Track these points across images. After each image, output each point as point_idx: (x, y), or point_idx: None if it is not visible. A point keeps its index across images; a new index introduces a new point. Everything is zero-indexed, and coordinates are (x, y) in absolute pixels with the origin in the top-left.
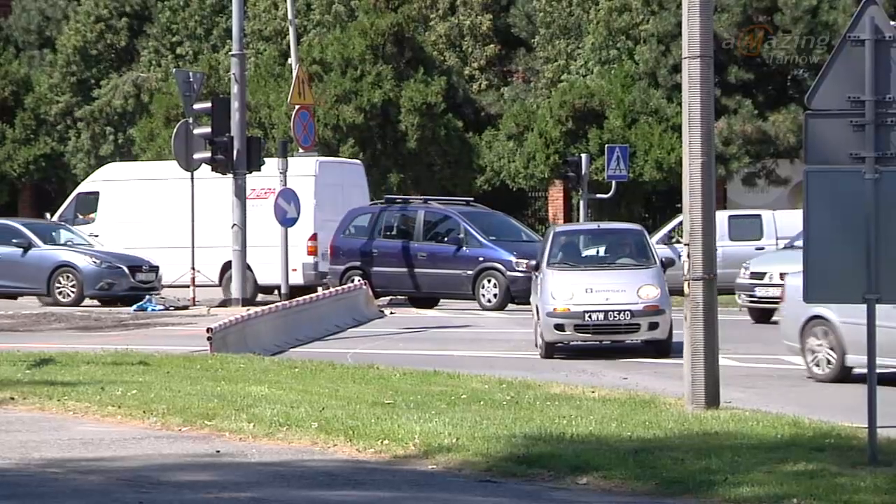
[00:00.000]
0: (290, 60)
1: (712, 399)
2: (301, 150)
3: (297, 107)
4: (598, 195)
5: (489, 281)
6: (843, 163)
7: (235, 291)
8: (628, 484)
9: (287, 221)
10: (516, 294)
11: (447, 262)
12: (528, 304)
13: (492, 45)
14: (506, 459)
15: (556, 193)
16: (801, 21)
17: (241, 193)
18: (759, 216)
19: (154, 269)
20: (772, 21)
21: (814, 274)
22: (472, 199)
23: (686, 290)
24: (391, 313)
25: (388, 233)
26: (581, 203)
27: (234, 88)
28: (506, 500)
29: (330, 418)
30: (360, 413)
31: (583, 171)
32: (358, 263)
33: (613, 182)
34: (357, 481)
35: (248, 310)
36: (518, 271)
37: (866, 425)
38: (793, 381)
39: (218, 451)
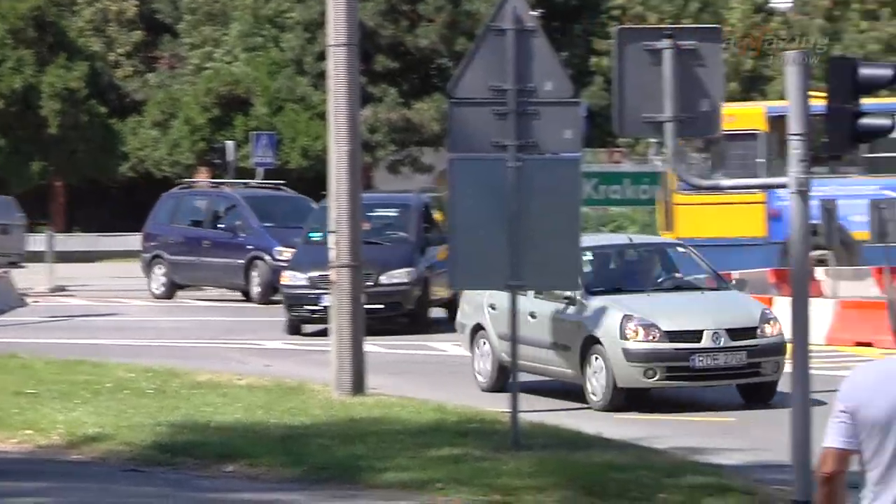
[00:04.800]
0: None
1: (358, 385)
2: None
3: None
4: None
5: (256, 271)
6: (487, 151)
7: None
8: (275, 471)
9: None
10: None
11: (225, 251)
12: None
13: (138, 31)
14: (151, 448)
15: (201, 181)
16: (445, 10)
17: None
18: None
19: None
20: (416, 10)
21: (459, 261)
22: (282, 182)
23: (333, 276)
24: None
25: (185, 219)
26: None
27: None
28: (151, 488)
29: None
30: (2, 403)
31: (229, 158)
32: (160, 252)
33: (261, 169)
34: None
35: None
36: (281, 261)
37: (509, 410)
38: (437, 366)
39: None
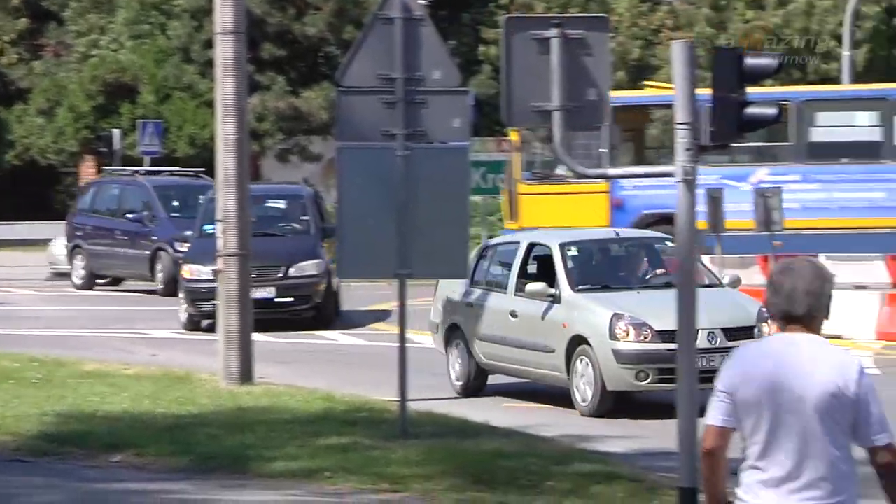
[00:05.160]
0: None
1: (246, 374)
2: None
3: None
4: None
5: (160, 263)
6: (375, 140)
7: None
8: (162, 461)
9: None
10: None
11: (133, 242)
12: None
13: (23, 19)
14: (37, 438)
15: (87, 169)
16: None
17: None
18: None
19: None
20: None
21: (348, 251)
22: (202, 169)
23: (220, 265)
24: None
25: (103, 208)
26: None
27: None
28: (37, 478)
29: None
30: None
31: (115, 147)
32: (80, 242)
33: (147, 157)
34: None
35: None
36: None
37: (398, 399)
38: (326, 355)
39: None
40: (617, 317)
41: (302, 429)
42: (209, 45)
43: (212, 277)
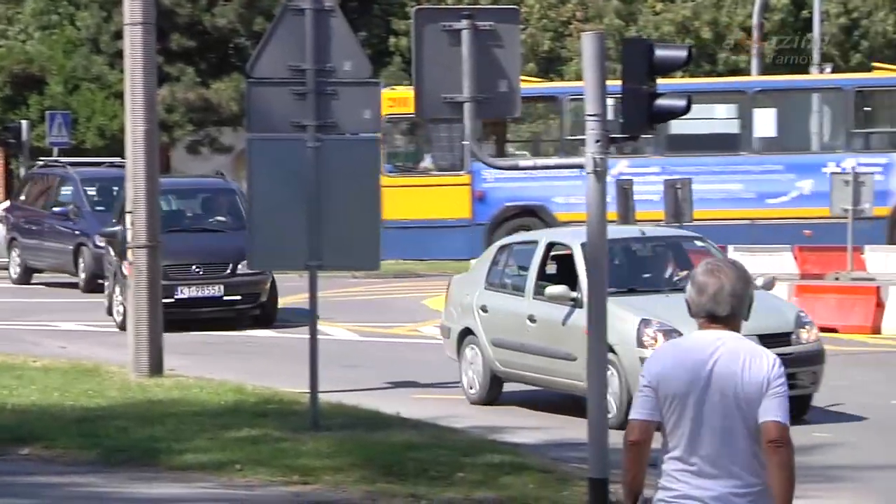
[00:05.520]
0: None
1: (156, 367)
2: None
3: None
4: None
5: (82, 258)
6: (286, 131)
7: None
8: (72, 453)
9: None
10: (101, 275)
11: (58, 235)
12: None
13: None
14: None
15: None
16: None
17: None
18: None
19: None
20: None
21: (258, 242)
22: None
23: (130, 256)
24: None
25: (34, 201)
26: (22, 170)
27: None
28: None
29: None
30: None
31: (24, 138)
32: (15, 234)
33: (55, 149)
34: None
35: None
36: (102, 248)
37: (308, 391)
38: (237, 347)
39: None
40: (645, 322)
41: (212, 421)
42: (118, 35)
43: None
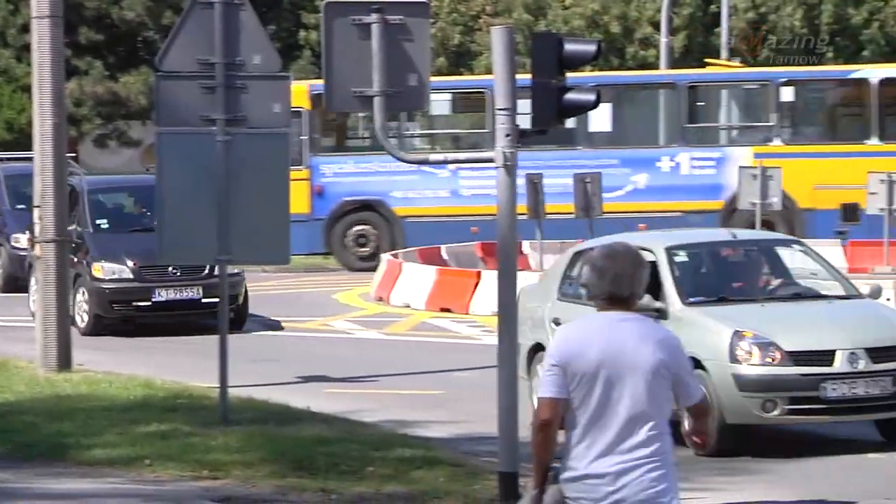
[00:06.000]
0: None
1: (65, 362)
2: None
3: None
4: None
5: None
6: (195, 125)
7: None
8: None
9: None
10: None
11: None
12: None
13: None
14: None
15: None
16: None
17: None
18: None
19: None
20: None
21: (168, 236)
22: (72, 154)
23: (37, 251)
24: None
25: None
26: None
27: None
28: None
29: None
30: None
31: None
32: None
33: None
34: None
35: None
36: (18, 248)
37: (218, 386)
38: (146, 342)
39: None
40: (738, 335)
41: (121, 416)
42: (25, 29)
43: (130, 276)
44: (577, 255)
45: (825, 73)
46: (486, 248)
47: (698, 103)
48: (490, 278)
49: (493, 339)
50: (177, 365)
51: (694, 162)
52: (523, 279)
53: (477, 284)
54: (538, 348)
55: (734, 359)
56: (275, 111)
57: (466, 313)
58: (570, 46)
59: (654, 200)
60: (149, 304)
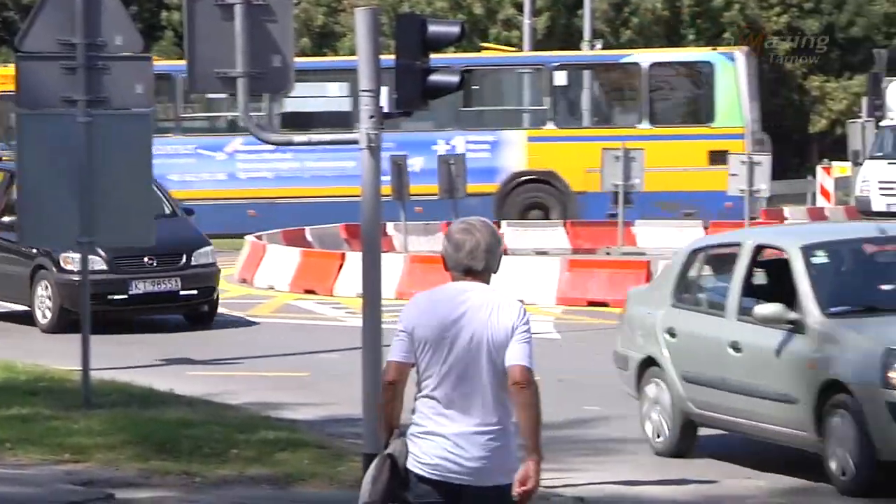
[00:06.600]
0: None
1: None
2: None
3: None
4: None
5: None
6: (56, 106)
7: None
8: None
9: None
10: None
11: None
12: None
13: None
14: None
15: None
16: None
17: None
18: None
19: None
20: None
21: (29, 219)
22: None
23: None
24: None
25: None
26: None
27: None
28: None
29: None
30: None
31: None
32: None
33: None
34: None
35: None
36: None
37: (80, 368)
38: (9, 326)
39: None
40: (892, 353)
41: None
42: None
43: (104, 268)
44: (695, 252)
45: (597, 58)
46: (350, 230)
47: (473, 87)
48: (354, 260)
49: (358, 321)
50: (38, 348)
51: (469, 145)
52: (387, 261)
53: (341, 266)
54: (649, 362)
55: (888, 383)
56: (137, 92)
57: (331, 295)
58: (433, 28)
59: (428, 184)
60: (125, 297)
